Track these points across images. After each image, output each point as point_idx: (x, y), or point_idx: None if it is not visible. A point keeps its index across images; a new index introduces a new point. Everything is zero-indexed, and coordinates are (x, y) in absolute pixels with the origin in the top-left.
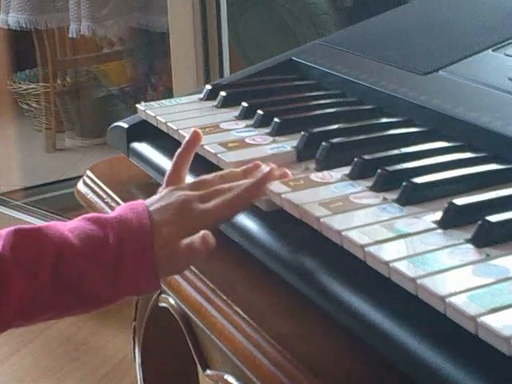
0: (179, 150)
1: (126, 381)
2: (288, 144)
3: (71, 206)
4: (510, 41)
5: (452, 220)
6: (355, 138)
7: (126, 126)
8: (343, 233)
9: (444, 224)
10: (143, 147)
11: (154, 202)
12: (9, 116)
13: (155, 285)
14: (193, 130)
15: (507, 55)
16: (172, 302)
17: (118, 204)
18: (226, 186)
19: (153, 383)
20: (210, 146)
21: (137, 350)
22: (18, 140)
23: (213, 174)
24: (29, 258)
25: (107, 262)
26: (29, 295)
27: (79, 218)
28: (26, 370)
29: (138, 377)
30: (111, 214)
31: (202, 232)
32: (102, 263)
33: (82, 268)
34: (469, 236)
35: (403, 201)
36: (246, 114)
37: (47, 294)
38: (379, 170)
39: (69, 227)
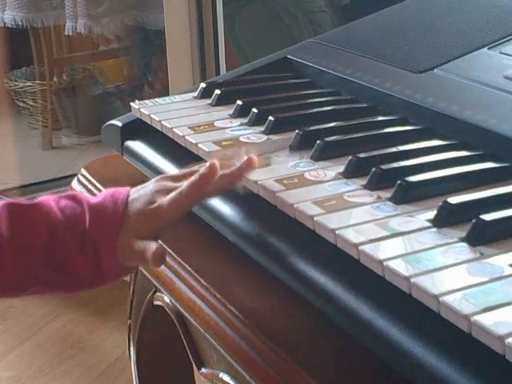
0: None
1: (122, 378)
2: (283, 142)
3: None
4: (505, 39)
5: (446, 218)
6: (350, 137)
7: (120, 124)
8: (337, 231)
9: (438, 222)
10: (137, 145)
11: (138, 189)
12: (5, 114)
13: (126, 270)
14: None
15: (503, 53)
16: (167, 300)
17: None
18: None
19: (148, 381)
20: (204, 144)
21: (132, 348)
22: (14, 138)
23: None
24: (24, 234)
25: (88, 245)
26: (20, 270)
27: (67, 195)
28: (23, 368)
29: (134, 374)
30: (96, 197)
31: (154, 246)
32: (85, 246)
33: (69, 248)
34: (463, 234)
35: (397, 199)
36: (240, 112)
37: (36, 270)
38: (373, 169)
39: (60, 206)
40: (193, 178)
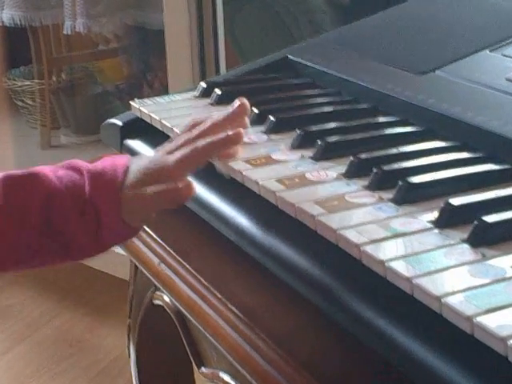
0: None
1: (121, 378)
2: (283, 142)
3: None
4: (507, 41)
5: (448, 220)
6: (351, 137)
7: (119, 123)
8: (339, 232)
9: (440, 224)
10: (137, 144)
11: (141, 155)
12: (4, 113)
13: (130, 232)
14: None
15: (504, 55)
16: (166, 299)
17: None
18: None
19: (148, 381)
20: None
21: (132, 347)
22: (12, 137)
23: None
24: (19, 203)
25: (88, 212)
26: (16, 240)
27: (64, 164)
28: (21, 367)
29: (133, 374)
30: (95, 164)
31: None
32: (85, 213)
33: (68, 216)
34: (465, 236)
35: (399, 200)
36: None
37: (34, 239)
38: (375, 170)
39: (57, 174)
40: (215, 137)
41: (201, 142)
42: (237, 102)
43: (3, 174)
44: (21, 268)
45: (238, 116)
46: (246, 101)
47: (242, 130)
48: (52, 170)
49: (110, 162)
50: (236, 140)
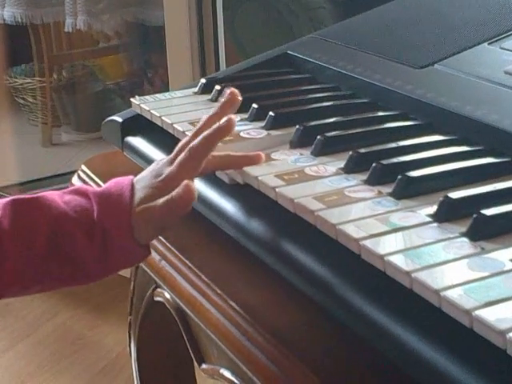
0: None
1: (122, 375)
2: (282, 138)
3: None
4: (505, 34)
5: (447, 213)
6: (350, 132)
7: (120, 120)
8: (338, 227)
9: (439, 217)
10: (138, 141)
11: (144, 170)
12: (5, 111)
13: (141, 254)
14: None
15: (503, 48)
16: (167, 296)
17: None
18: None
19: (148, 378)
20: None
21: (132, 344)
22: (14, 135)
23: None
24: (25, 228)
25: (97, 236)
26: (23, 265)
27: (70, 189)
28: (23, 364)
29: (134, 371)
30: (100, 188)
31: (184, 183)
32: (94, 237)
33: (76, 240)
34: (464, 229)
35: (398, 194)
36: (240, 108)
37: (41, 264)
38: (374, 164)
39: (64, 199)
40: (207, 131)
41: (196, 141)
42: (227, 92)
43: (11, 199)
44: (27, 293)
45: (231, 105)
46: (235, 90)
47: (233, 117)
48: (59, 195)
49: (115, 183)
50: (228, 127)
